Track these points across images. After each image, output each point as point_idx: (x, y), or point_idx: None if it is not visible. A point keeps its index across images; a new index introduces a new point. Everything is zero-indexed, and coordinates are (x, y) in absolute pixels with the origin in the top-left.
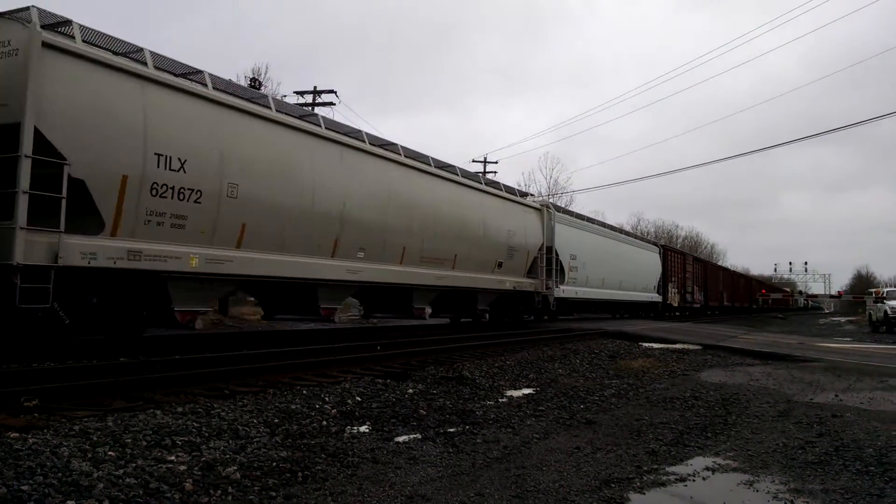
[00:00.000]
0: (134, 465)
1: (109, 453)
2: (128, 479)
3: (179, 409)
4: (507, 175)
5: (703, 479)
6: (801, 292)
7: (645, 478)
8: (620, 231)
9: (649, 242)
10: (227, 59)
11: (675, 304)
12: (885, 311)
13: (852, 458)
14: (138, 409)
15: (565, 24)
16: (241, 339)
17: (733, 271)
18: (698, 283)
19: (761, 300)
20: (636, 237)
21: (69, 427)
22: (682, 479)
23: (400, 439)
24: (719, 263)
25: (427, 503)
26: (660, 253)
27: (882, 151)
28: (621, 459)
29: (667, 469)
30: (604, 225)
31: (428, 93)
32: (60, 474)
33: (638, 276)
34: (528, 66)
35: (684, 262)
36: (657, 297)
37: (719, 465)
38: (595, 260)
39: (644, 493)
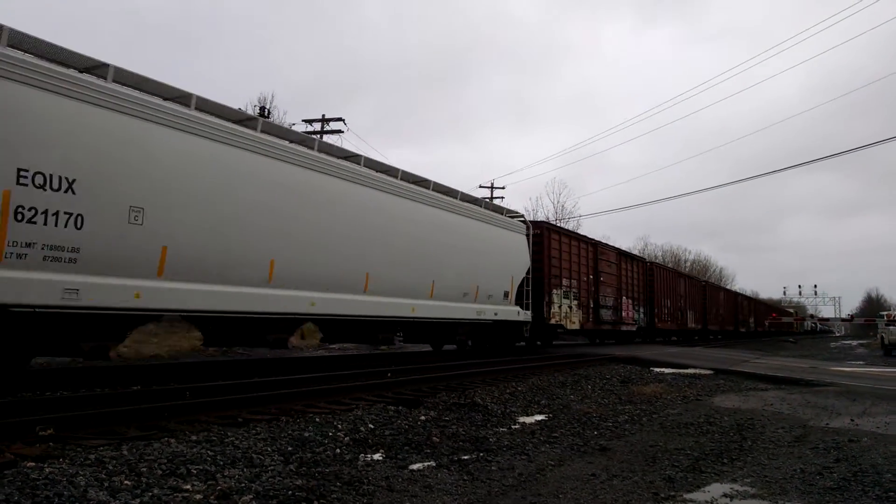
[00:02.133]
0: (150, 494)
1: (126, 482)
2: None
3: (193, 438)
4: (514, 201)
5: None
6: (812, 316)
7: None
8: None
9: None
10: (237, 89)
11: (569, 326)
12: None
13: (871, 484)
14: (153, 438)
15: (571, 59)
16: (252, 367)
17: (736, 292)
18: (679, 301)
19: (753, 324)
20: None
21: (85, 456)
22: None
23: (414, 467)
24: (722, 285)
25: None
26: (528, 234)
27: (881, 176)
28: (638, 486)
29: (684, 496)
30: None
31: (438, 125)
32: None
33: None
34: (536, 99)
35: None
36: (519, 314)
37: (737, 491)
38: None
39: None
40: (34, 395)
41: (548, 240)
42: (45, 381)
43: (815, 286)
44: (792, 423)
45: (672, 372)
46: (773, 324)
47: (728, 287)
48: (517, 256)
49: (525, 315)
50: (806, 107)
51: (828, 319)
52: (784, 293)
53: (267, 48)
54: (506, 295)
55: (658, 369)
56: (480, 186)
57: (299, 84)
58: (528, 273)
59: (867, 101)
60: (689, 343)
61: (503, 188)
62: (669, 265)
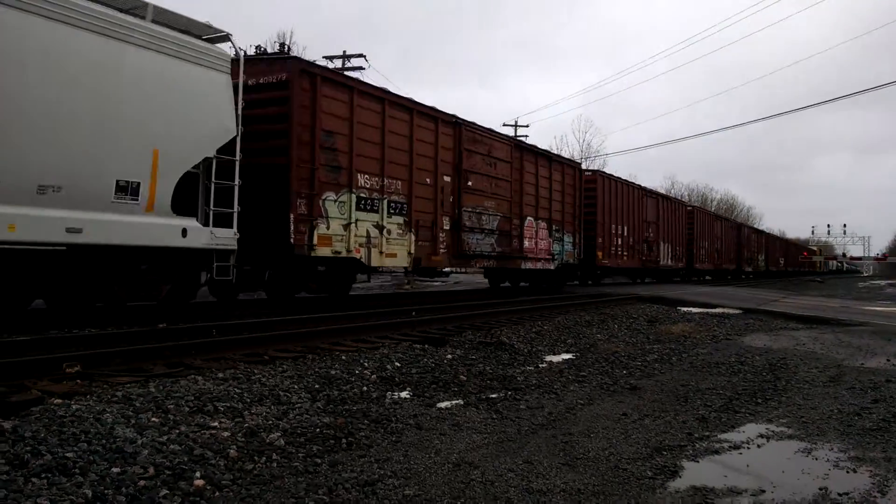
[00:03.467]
0: (177, 431)
1: (153, 419)
2: (172, 446)
3: (220, 375)
4: (539, 139)
5: (758, 446)
6: (844, 255)
7: (697, 445)
8: None
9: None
10: (255, 26)
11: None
12: None
13: None
14: (179, 375)
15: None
16: (276, 306)
17: (767, 233)
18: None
19: (783, 263)
20: None
21: (112, 393)
22: (736, 447)
23: (442, 405)
24: (751, 224)
25: (475, 470)
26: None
27: None
28: (670, 426)
29: (719, 436)
30: None
31: (463, 66)
32: (105, 441)
33: None
34: (560, 38)
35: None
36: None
37: (773, 432)
38: None
39: (698, 461)
40: (62, 332)
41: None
42: (73, 319)
43: (845, 225)
44: (826, 362)
45: (700, 311)
46: (802, 262)
47: (757, 227)
48: (182, 109)
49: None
50: (832, 47)
51: (859, 258)
52: (812, 232)
53: None
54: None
55: (685, 309)
56: (504, 125)
57: (321, 23)
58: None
59: (891, 40)
60: (719, 283)
61: (527, 126)
62: (697, 204)
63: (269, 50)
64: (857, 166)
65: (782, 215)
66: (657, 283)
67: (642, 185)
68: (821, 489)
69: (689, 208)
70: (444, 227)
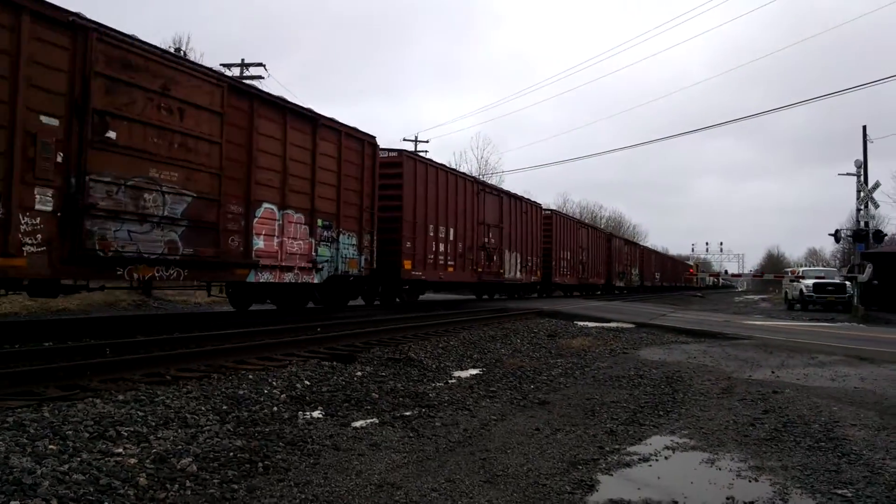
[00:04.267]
0: (79, 459)
1: (50, 447)
2: (75, 476)
3: (121, 398)
4: (439, 154)
5: (665, 458)
6: (726, 272)
7: (609, 458)
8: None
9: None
10: (151, 30)
11: None
12: (801, 290)
13: (801, 434)
14: (75, 398)
15: (497, 26)
16: (171, 322)
17: (644, 247)
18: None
19: (659, 279)
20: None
21: (2, 419)
22: (646, 459)
23: (357, 424)
24: (636, 241)
25: (398, 491)
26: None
27: (776, 143)
28: (582, 440)
29: (628, 449)
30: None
31: (369, 84)
32: (0, 472)
33: None
34: (460, 62)
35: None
36: None
37: (678, 443)
38: None
39: (612, 475)
40: None
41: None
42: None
43: (721, 243)
44: (717, 375)
45: (596, 325)
46: (686, 278)
47: (640, 243)
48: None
49: None
50: (708, 78)
51: (738, 275)
52: (692, 250)
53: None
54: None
55: (582, 323)
56: (404, 140)
57: (223, 36)
58: None
59: (759, 73)
60: (605, 297)
61: (427, 142)
62: (587, 221)
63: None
64: (731, 188)
65: (666, 234)
66: (507, 299)
67: (492, 183)
68: (728, 498)
69: (545, 212)
70: (36, 207)
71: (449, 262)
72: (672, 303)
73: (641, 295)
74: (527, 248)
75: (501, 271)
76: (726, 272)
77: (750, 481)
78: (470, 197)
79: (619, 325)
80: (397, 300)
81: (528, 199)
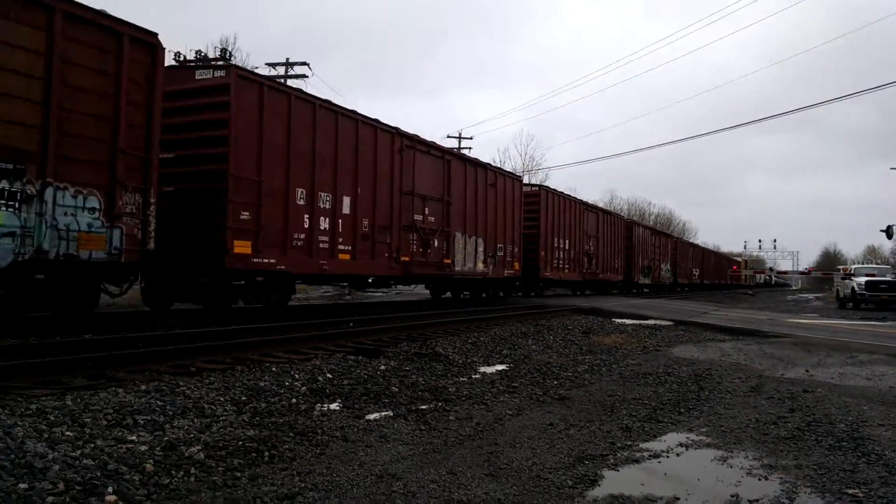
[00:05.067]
0: (92, 445)
1: (67, 433)
2: (85, 461)
3: (143, 388)
4: (482, 152)
5: (677, 454)
6: (771, 269)
7: (619, 454)
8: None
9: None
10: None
11: None
12: (853, 288)
13: (824, 434)
14: (100, 388)
15: (534, 26)
16: (211, 317)
17: (702, 248)
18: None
19: (666, 274)
20: None
21: (25, 406)
22: (656, 456)
23: (371, 417)
24: (687, 239)
25: (397, 482)
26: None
27: (836, 137)
28: (595, 436)
29: (641, 445)
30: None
31: (410, 82)
32: (14, 456)
33: None
34: (503, 60)
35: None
36: None
37: (693, 441)
38: None
39: (618, 470)
40: None
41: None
42: None
43: (775, 240)
44: (748, 373)
45: (633, 323)
46: (732, 276)
47: (694, 242)
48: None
49: None
50: (758, 74)
51: (786, 272)
52: (745, 247)
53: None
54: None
55: (620, 320)
56: (448, 136)
57: (269, 38)
58: None
59: (813, 67)
60: (652, 296)
61: (471, 138)
62: (636, 218)
63: (210, 55)
64: (786, 184)
65: (717, 231)
66: (464, 301)
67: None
68: (732, 496)
69: (532, 188)
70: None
71: (340, 247)
72: (719, 301)
73: (692, 293)
74: (496, 232)
75: (448, 262)
76: (771, 269)
77: (759, 479)
78: (386, 154)
79: (657, 322)
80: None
81: (502, 169)
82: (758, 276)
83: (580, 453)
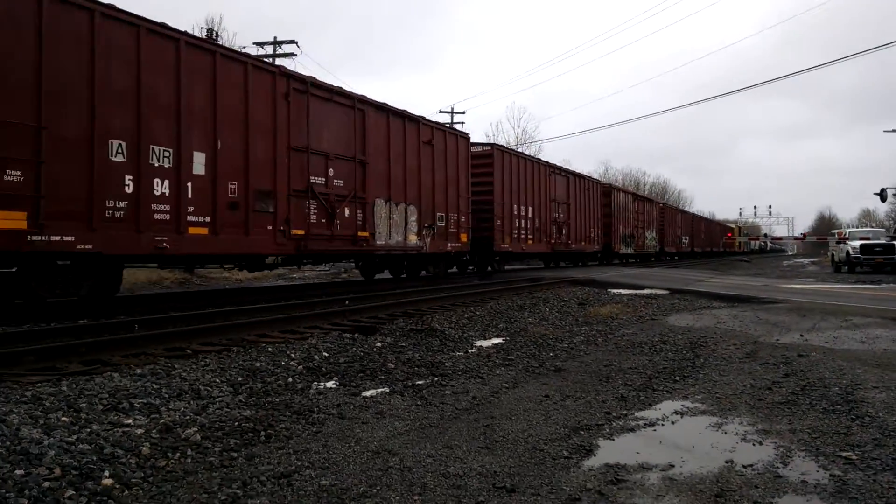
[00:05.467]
0: (88, 430)
1: (62, 419)
2: (81, 445)
3: (139, 371)
4: (474, 125)
5: (672, 422)
6: (766, 235)
7: (614, 424)
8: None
9: None
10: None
11: None
12: (847, 252)
13: (819, 398)
14: (95, 373)
15: None
16: (207, 297)
17: (692, 214)
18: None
19: (651, 242)
20: None
21: (21, 393)
22: (652, 424)
23: (367, 394)
24: (681, 207)
25: (394, 457)
26: None
27: (827, 101)
28: (590, 406)
29: (636, 414)
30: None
31: (404, 57)
32: (9, 443)
33: None
34: (497, 29)
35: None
36: None
37: (688, 408)
38: None
39: (613, 439)
40: None
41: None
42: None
43: (770, 207)
44: (743, 339)
45: (629, 293)
46: (726, 243)
47: (686, 209)
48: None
49: None
50: (756, 38)
51: (780, 238)
52: (740, 214)
53: None
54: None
55: (615, 290)
56: (440, 112)
57: (256, 16)
58: None
59: (809, 32)
60: (646, 265)
61: (463, 113)
62: (630, 188)
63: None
64: (780, 150)
65: (713, 199)
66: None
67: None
68: (727, 462)
69: (484, 148)
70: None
71: (191, 218)
72: (714, 268)
73: (688, 261)
74: (434, 198)
75: (365, 235)
76: (765, 235)
77: (754, 445)
78: (263, 100)
79: (653, 291)
80: None
81: (441, 124)
82: (752, 242)
83: (576, 424)
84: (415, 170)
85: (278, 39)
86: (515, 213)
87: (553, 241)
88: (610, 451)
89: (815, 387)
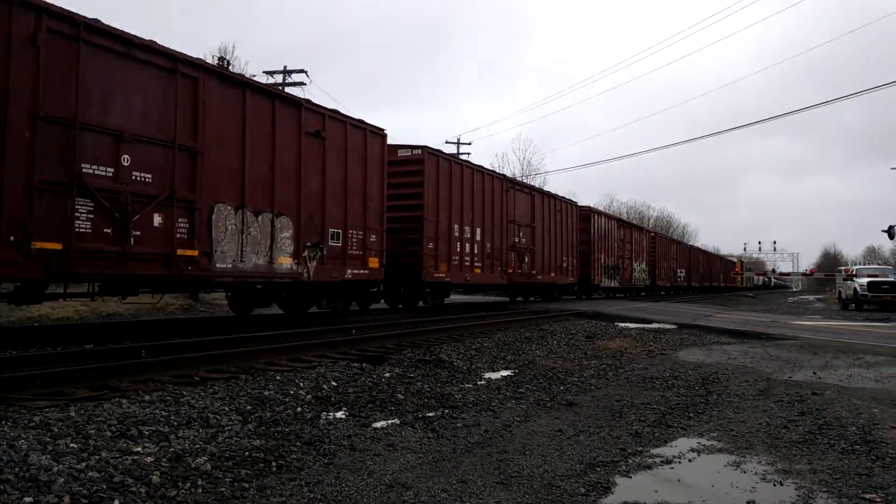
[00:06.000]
0: (97, 457)
1: (71, 445)
2: (90, 473)
3: (147, 398)
4: (481, 156)
5: (689, 460)
6: (773, 270)
7: (630, 461)
8: None
9: None
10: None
11: None
12: (855, 289)
13: (836, 437)
14: (103, 399)
15: (540, 30)
16: (213, 324)
17: (699, 249)
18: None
19: (640, 274)
20: None
21: (29, 418)
22: (668, 462)
23: (378, 425)
24: (684, 241)
25: (408, 491)
26: None
27: (830, 140)
28: (605, 442)
29: (651, 451)
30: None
31: (412, 90)
32: (17, 469)
33: None
34: (502, 66)
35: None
36: None
37: (704, 446)
38: None
39: (630, 477)
40: None
41: None
42: None
43: (775, 242)
44: (756, 376)
45: (636, 327)
46: (733, 276)
47: (698, 245)
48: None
49: None
50: (757, 75)
51: (787, 274)
52: (744, 249)
53: (234, 7)
54: None
55: (623, 324)
56: (447, 142)
57: (271, 48)
58: None
59: (811, 69)
60: (655, 299)
61: (469, 143)
62: (634, 222)
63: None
64: (785, 186)
65: (717, 234)
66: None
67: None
68: (748, 502)
69: (414, 151)
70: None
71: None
72: (721, 304)
73: (692, 295)
74: (321, 208)
75: (189, 253)
76: (773, 271)
77: (774, 485)
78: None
79: (661, 325)
80: None
81: (339, 114)
82: (757, 277)
83: (591, 460)
84: (292, 169)
85: (288, 69)
86: (457, 234)
87: (511, 271)
88: (627, 490)
89: (832, 426)
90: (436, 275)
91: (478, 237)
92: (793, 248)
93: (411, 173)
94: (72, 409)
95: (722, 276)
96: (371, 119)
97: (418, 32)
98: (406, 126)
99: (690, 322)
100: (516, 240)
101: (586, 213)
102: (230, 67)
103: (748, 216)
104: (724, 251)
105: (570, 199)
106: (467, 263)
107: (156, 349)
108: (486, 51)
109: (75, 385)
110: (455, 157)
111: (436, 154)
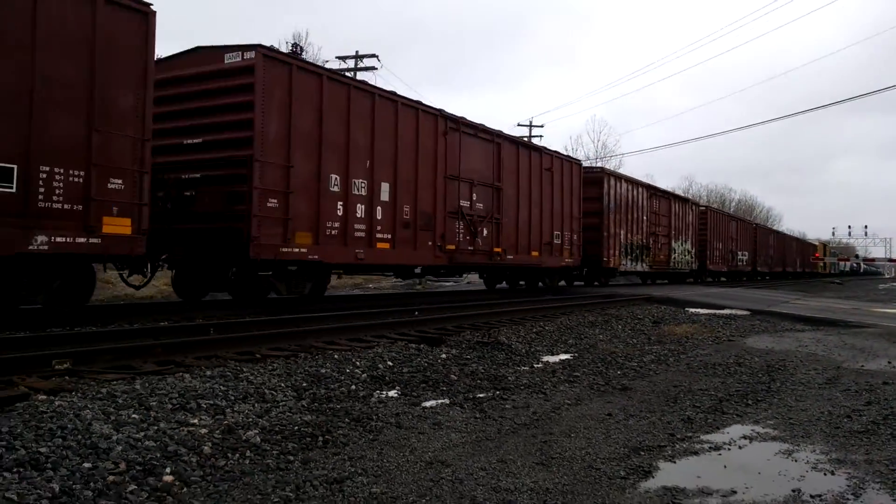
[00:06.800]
0: (156, 427)
1: (133, 416)
2: (147, 442)
3: (208, 373)
4: (553, 139)
5: (740, 447)
6: (857, 256)
7: (677, 446)
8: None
9: None
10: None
11: None
12: None
13: None
14: (168, 373)
15: (617, 7)
16: (281, 305)
17: (784, 234)
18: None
19: (681, 257)
20: None
21: (97, 390)
22: (717, 448)
23: (427, 404)
24: (769, 226)
25: (446, 469)
26: None
27: None
28: (654, 427)
29: (701, 437)
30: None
31: (487, 74)
32: (80, 437)
33: None
34: (576, 46)
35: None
36: None
37: (758, 433)
38: None
39: (675, 462)
40: (65, 329)
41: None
42: (85, 316)
43: (866, 227)
44: (825, 364)
45: (707, 312)
46: (811, 263)
47: (775, 228)
48: None
49: None
50: (850, 51)
51: (873, 260)
52: (833, 234)
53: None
54: None
55: (693, 310)
56: (519, 125)
57: (344, 35)
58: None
59: None
60: (732, 284)
61: (542, 126)
62: (714, 205)
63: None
64: (879, 167)
65: (804, 218)
66: None
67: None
68: (794, 490)
69: (244, 56)
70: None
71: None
72: (803, 290)
73: (777, 281)
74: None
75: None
76: (857, 256)
77: (825, 474)
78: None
79: (733, 311)
80: None
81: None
82: (841, 263)
83: (637, 444)
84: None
85: (360, 54)
86: (336, 188)
87: (453, 248)
88: (669, 474)
89: None
90: (285, 249)
91: (384, 196)
92: (886, 234)
93: (237, 89)
94: (137, 382)
95: (799, 260)
96: (445, 103)
97: (491, 19)
98: (478, 109)
99: (765, 308)
100: (465, 204)
101: (597, 176)
102: (303, 54)
103: (837, 200)
104: (811, 236)
105: (568, 156)
106: (361, 235)
107: (224, 327)
108: (555, 34)
109: (144, 359)
110: (340, 73)
111: (286, 61)
